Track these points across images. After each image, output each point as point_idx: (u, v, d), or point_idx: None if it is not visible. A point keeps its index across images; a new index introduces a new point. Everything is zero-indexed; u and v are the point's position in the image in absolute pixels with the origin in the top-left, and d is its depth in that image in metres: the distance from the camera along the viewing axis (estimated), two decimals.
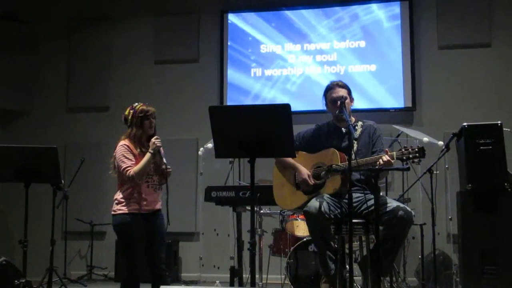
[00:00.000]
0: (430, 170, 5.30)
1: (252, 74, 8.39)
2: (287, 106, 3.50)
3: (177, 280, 7.83)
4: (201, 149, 7.23)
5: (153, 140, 4.34)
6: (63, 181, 5.42)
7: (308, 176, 4.23)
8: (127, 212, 4.30)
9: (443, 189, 6.47)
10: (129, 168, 4.26)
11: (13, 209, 7.80)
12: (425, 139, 6.40)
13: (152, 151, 4.30)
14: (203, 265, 6.96)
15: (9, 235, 8.21)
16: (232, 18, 8.53)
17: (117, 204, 4.35)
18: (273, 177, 4.50)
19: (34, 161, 4.66)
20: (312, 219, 4.00)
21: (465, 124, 5.75)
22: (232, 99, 8.29)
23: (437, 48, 7.97)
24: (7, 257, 6.03)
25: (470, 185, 5.63)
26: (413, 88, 7.85)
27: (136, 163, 4.30)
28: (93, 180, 8.43)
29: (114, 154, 4.40)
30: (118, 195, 4.37)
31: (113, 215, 4.35)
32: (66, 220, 7.92)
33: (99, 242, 8.36)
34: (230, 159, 6.50)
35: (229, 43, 8.48)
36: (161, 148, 4.45)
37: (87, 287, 7.38)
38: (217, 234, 7.63)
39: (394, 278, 6.32)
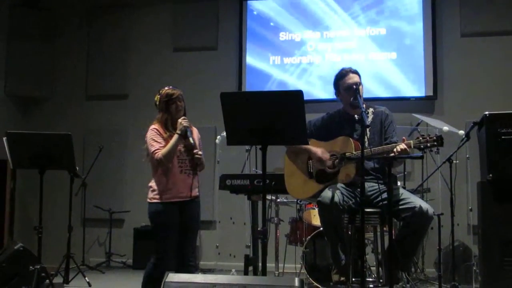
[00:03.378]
0: (449, 160, 5.19)
1: (271, 62, 8.32)
2: (299, 93, 3.45)
3: (195, 268, 7.85)
4: (218, 137, 7.20)
5: (179, 120, 4.27)
6: (77, 168, 5.42)
7: (323, 152, 4.13)
8: (160, 201, 4.24)
9: (464, 179, 6.34)
10: (157, 151, 4.20)
11: (34, 195, 7.83)
12: (445, 128, 6.27)
13: (179, 132, 4.22)
14: (219, 254, 6.95)
15: (30, 221, 8.29)
16: (251, 5, 8.46)
17: (151, 192, 4.31)
18: (285, 166, 4.43)
19: (49, 148, 4.66)
20: (325, 209, 3.94)
21: (486, 112, 5.62)
22: (250, 87, 8.24)
23: (459, 35, 7.81)
24: (29, 243, 6.08)
25: (491, 175, 5.51)
26: (435, 77, 7.71)
27: (165, 146, 4.23)
28: (112, 168, 8.48)
29: (145, 139, 4.35)
30: (152, 183, 4.33)
31: (148, 203, 4.31)
32: (85, 207, 7.97)
33: (118, 230, 8.41)
34: (247, 147, 6.46)
35: (247, 31, 8.41)
36: (193, 131, 4.38)
37: (105, 274, 7.42)
38: (233, 223, 7.61)
39: (412, 269, 6.26)
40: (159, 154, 4.19)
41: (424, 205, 3.87)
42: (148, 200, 4.32)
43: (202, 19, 8.62)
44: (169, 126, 4.33)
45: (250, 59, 8.35)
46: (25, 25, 8.68)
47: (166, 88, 4.43)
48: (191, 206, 4.35)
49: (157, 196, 4.26)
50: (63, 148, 4.71)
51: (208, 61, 8.57)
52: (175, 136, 4.22)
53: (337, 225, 4.00)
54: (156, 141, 4.25)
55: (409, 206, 3.88)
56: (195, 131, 4.44)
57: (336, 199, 3.87)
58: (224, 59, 8.52)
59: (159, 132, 4.29)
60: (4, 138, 4.97)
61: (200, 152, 4.33)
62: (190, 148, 4.31)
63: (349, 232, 4.08)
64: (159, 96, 4.40)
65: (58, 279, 6.33)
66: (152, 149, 4.23)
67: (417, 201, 3.91)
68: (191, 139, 4.29)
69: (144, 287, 4.35)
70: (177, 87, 4.51)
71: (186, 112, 4.45)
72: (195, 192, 4.37)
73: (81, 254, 7.69)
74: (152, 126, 4.35)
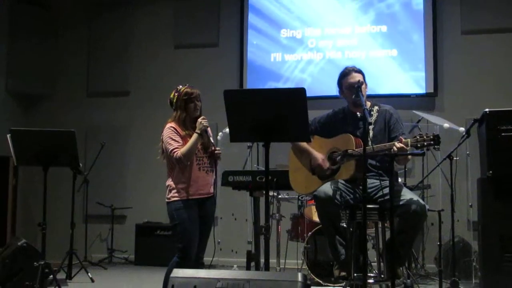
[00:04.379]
0: (450, 156, 5.23)
1: (272, 59, 8.34)
2: (302, 90, 3.48)
3: (203, 266, 7.89)
4: (220, 133, 7.23)
5: (199, 120, 4.26)
6: (80, 165, 5.44)
7: (323, 160, 4.20)
8: (180, 198, 4.24)
9: (464, 175, 6.39)
10: (176, 149, 4.18)
11: (36, 192, 7.88)
12: (446, 125, 6.31)
13: (199, 131, 4.22)
14: (221, 250, 6.99)
15: (32, 218, 8.33)
16: (252, 2, 8.47)
17: (170, 191, 4.30)
18: (289, 161, 4.49)
19: (53, 145, 4.68)
20: (320, 204, 4.00)
21: (486, 110, 5.66)
22: (251, 84, 8.26)
23: (460, 33, 7.83)
24: (31, 240, 6.12)
25: (491, 171, 5.55)
26: (435, 74, 7.74)
27: (183, 145, 4.23)
28: (113, 164, 8.52)
29: (161, 137, 4.33)
30: (170, 181, 4.32)
31: (167, 202, 4.30)
32: (87, 203, 8.01)
33: (120, 226, 8.45)
34: (249, 144, 6.50)
35: (249, 28, 8.43)
36: (209, 129, 4.38)
37: (108, 270, 7.46)
38: (235, 219, 7.65)
39: (413, 265, 6.30)
40: (179, 153, 4.18)
41: (418, 204, 3.91)
42: (167, 200, 4.31)
43: (203, 16, 8.64)
44: (187, 124, 4.34)
45: (251, 56, 8.38)
46: (27, 22, 8.69)
47: (184, 86, 4.40)
48: (208, 203, 4.37)
49: (177, 194, 4.26)
50: (67, 145, 4.71)
51: (209, 58, 8.60)
52: (195, 135, 4.22)
53: (333, 219, 4.04)
54: (174, 139, 4.24)
55: (403, 203, 3.93)
56: (208, 129, 4.45)
57: (332, 193, 3.92)
58: (225, 56, 8.55)
59: (177, 131, 4.28)
60: (8, 135, 4.99)
61: (218, 148, 4.38)
62: (207, 146, 4.34)
63: (351, 228, 4.11)
64: (176, 94, 4.37)
65: (61, 275, 6.38)
66: (170, 147, 4.21)
67: (412, 199, 3.95)
68: (211, 138, 4.34)
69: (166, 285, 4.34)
70: (180, 84, 4.52)
71: (202, 112, 4.45)
72: (212, 189, 4.40)
73: (83, 250, 7.74)
74: (169, 125, 4.33)
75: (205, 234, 4.40)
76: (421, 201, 3.97)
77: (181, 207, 4.23)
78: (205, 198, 4.35)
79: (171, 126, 4.30)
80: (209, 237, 4.47)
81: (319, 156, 4.23)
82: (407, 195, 4.01)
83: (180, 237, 4.24)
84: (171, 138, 4.24)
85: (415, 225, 3.99)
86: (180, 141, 4.24)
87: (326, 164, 4.20)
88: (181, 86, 4.41)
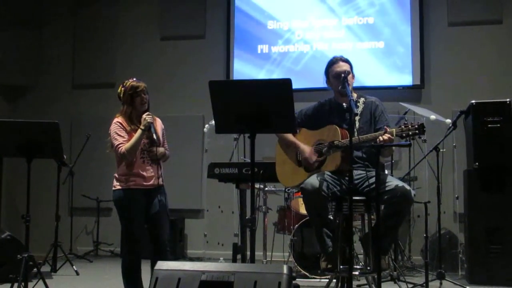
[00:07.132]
0: (436, 148, 5.22)
1: (259, 51, 8.29)
2: (288, 81, 3.44)
3: (183, 257, 7.87)
4: (207, 125, 7.20)
5: (144, 116, 4.26)
6: (65, 157, 5.37)
7: (310, 153, 4.18)
8: (122, 188, 4.26)
9: (450, 167, 6.40)
10: (121, 145, 4.21)
11: (21, 184, 7.80)
12: (432, 116, 6.31)
13: (143, 127, 4.22)
14: (207, 242, 6.97)
15: (17, 210, 8.26)
16: None
17: (116, 180, 4.33)
18: (276, 154, 4.46)
19: (36, 136, 4.60)
20: (307, 196, 3.97)
21: (473, 101, 5.68)
22: (238, 76, 8.22)
23: (447, 24, 7.83)
24: (15, 232, 6.06)
25: (477, 163, 5.58)
26: (422, 66, 7.74)
27: (129, 140, 4.24)
28: (99, 157, 8.40)
29: (109, 132, 4.34)
30: (117, 172, 4.34)
31: (113, 190, 4.33)
32: (72, 196, 7.94)
33: (106, 219, 8.38)
34: (235, 136, 6.46)
35: (236, 19, 8.38)
36: (157, 122, 4.39)
37: (93, 262, 7.42)
38: (222, 211, 7.62)
39: (399, 257, 6.31)
40: (123, 148, 4.20)
41: (404, 189, 3.91)
42: (113, 188, 4.33)
43: (190, 8, 8.58)
44: (133, 119, 4.33)
45: (238, 48, 8.33)
46: (10, 12, 8.57)
47: (131, 80, 4.39)
48: (156, 194, 4.35)
49: (121, 184, 4.28)
50: (51, 136, 4.63)
51: (195, 49, 8.53)
52: (139, 131, 4.23)
53: (320, 212, 4.02)
54: (119, 135, 4.25)
55: (391, 188, 3.92)
56: (158, 122, 4.46)
57: (319, 185, 3.90)
58: (212, 48, 8.49)
59: (123, 126, 4.28)
60: None
61: (155, 149, 4.31)
62: (152, 140, 4.32)
63: (337, 220, 4.10)
64: (123, 89, 4.36)
65: (45, 268, 6.34)
66: (116, 143, 4.23)
67: (397, 185, 3.95)
68: (154, 135, 4.29)
69: (124, 277, 4.33)
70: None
71: (150, 105, 4.42)
72: (158, 182, 4.37)
73: (68, 243, 7.69)
74: (116, 120, 4.33)
75: (161, 223, 4.35)
76: (406, 186, 3.97)
77: (123, 195, 4.25)
78: (152, 189, 4.33)
79: (118, 121, 4.30)
80: (167, 226, 4.40)
81: (307, 149, 4.21)
82: (393, 181, 4.01)
83: (124, 225, 4.27)
84: (117, 133, 4.26)
85: (402, 210, 3.97)
86: (126, 137, 4.25)
87: (313, 157, 4.18)
88: (127, 80, 4.39)
